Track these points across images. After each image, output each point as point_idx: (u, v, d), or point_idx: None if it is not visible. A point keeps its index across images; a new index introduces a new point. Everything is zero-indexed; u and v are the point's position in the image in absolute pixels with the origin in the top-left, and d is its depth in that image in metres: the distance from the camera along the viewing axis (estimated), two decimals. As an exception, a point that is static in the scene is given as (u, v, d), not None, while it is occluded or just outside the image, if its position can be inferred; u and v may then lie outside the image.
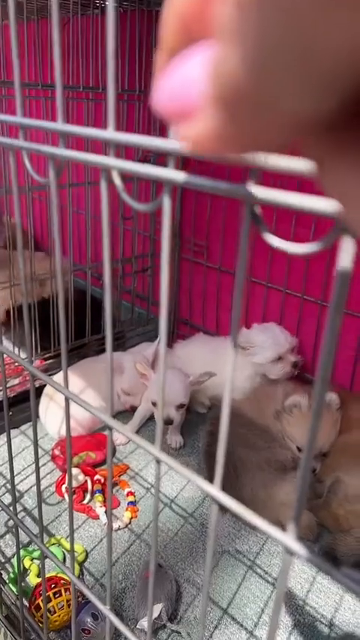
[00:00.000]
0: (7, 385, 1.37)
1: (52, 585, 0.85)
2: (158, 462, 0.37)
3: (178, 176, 0.26)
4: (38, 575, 0.91)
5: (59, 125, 0.33)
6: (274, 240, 0.25)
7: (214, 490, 0.33)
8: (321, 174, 0.14)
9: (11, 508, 0.70)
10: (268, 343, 1.29)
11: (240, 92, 0.12)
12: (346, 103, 0.12)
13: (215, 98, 0.12)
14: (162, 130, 1.39)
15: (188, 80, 0.13)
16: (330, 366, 0.24)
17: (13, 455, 1.23)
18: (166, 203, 0.28)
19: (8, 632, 0.71)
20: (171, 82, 0.14)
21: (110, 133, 0.30)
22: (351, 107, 0.12)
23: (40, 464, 1.20)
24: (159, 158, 1.37)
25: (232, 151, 0.14)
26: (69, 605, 0.83)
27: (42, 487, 1.13)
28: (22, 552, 0.95)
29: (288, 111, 0.12)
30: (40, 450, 1.25)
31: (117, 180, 0.30)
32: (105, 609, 0.49)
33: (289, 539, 0.30)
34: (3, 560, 0.95)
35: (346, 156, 0.13)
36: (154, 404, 1.23)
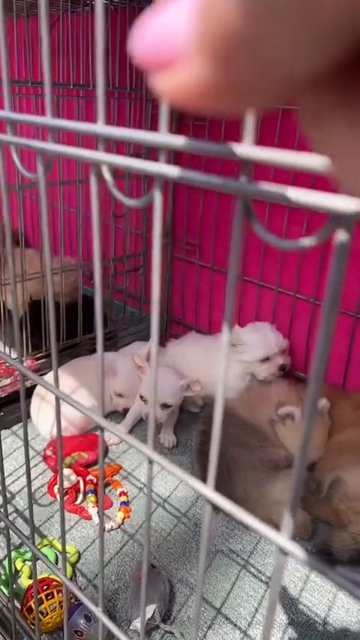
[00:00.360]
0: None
1: (45, 587, 0.84)
2: (150, 462, 0.36)
3: (170, 170, 0.26)
4: (30, 577, 0.90)
5: (48, 119, 0.32)
6: (267, 235, 0.24)
7: (208, 490, 0.33)
8: (316, 131, 0.13)
9: (2, 510, 0.69)
10: (257, 343, 1.29)
11: (233, 38, 0.11)
12: (347, 58, 0.11)
13: (204, 44, 0.11)
14: (153, 128, 1.38)
15: (173, 25, 0.12)
16: (320, 384, 0.23)
17: (5, 456, 1.22)
18: (157, 198, 0.27)
19: (0, 635, 0.70)
20: (153, 26, 0.12)
21: (100, 127, 0.29)
22: (352, 62, 0.11)
23: (32, 465, 1.20)
24: (151, 155, 1.36)
25: (218, 104, 0.13)
26: (61, 607, 0.82)
27: (34, 488, 1.13)
28: (13, 554, 0.94)
29: (285, 62, 0.11)
30: (31, 451, 1.24)
31: (107, 175, 0.30)
32: (97, 611, 0.48)
33: (282, 539, 0.30)
34: (-6, 562, 0.94)
35: (346, 112, 0.12)
36: (141, 397, 1.23)
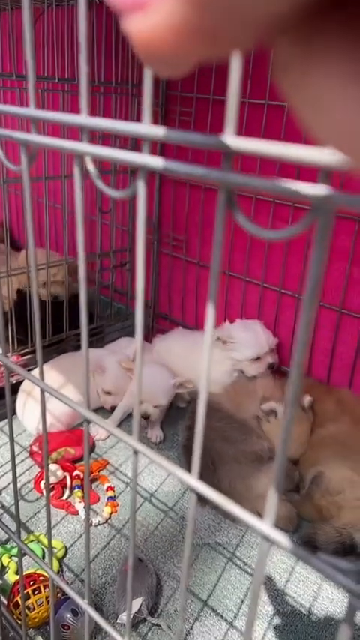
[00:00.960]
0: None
1: (31, 582, 0.84)
2: (136, 452, 0.37)
3: (154, 161, 0.26)
4: (17, 573, 0.90)
5: (30, 111, 0.32)
6: (250, 226, 0.25)
7: (192, 480, 0.33)
8: (290, 82, 0.13)
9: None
10: (249, 342, 1.30)
11: None
12: (313, 3, 0.11)
13: None
14: (139, 121, 1.37)
15: None
16: (300, 387, 0.24)
17: (-9, 452, 1.22)
18: (141, 189, 0.27)
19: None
20: None
21: (83, 118, 0.29)
22: (319, 8, 0.11)
23: (19, 460, 1.19)
24: (137, 149, 1.36)
25: (190, 48, 0.12)
26: (48, 602, 0.82)
27: (20, 484, 1.12)
28: None
29: (253, 3, 0.11)
30: (18, 447, 1.23)
31: (91, 167, 0.30)
32: (84, 604, 0.49)
33: (265, 526, 0.30)
34: (-20, 559, 0.93)
35: (323, 56, 0.12)
36: None
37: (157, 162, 0.26)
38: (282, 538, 0.30)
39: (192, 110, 1.37)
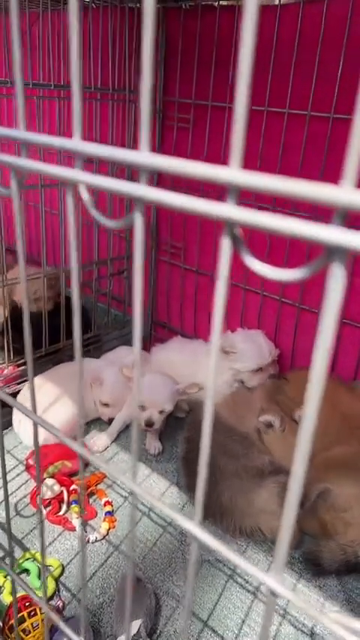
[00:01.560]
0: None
1: (27, 604, 0.82)
2: (132, 494, 0.35)
3: (151, 193, 0.24)
4: (11, 593, 0.88)
5: (20, 133, 0.30)
6: (256, 265, 0.23)
7: (194, 527, 0.31)
8: None
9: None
10: (251, 353, 1.28)
11: None
12: None
13: None
14: (137, 130, 1.36)
15: None
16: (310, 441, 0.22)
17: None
18: (138, 221, 0.25)
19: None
20: None
21: (76, 143, 0.27)
22: None
23: (15, 474, 1.17)
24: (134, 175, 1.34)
25: None
26: (43, 625, 0.80)
27: (16, 499, 1.10)
28: (-6, 569, 0.91)
29: None
30: (14, 460, 1.21)
31: (85, 195, 0.28)
32: (79, 641, 0.46)
33: (270, 579, 0.28)
34: (-25, 578, 0.91)
35: None
36: (141, 407, 1.21)
37: (155, 194, 0.24)
38: (289, 593, 0.28)
39: (190, 117, 1.35)
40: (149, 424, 1.20)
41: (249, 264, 0.23)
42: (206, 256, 1.48)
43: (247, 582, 0.95)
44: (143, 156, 0.24)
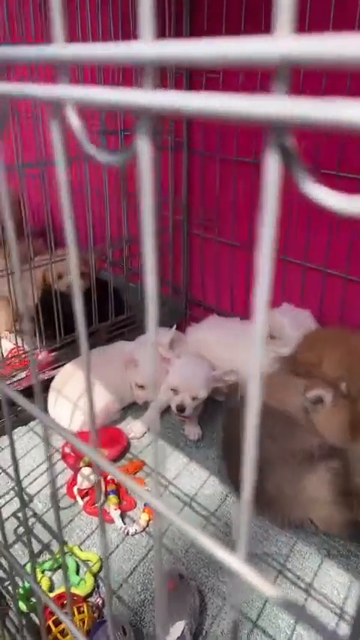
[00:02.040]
0: (14, 379, 1.29)
1: (64, 602, 0.78)
2: (158, 511, 0.27)
3: (160, 98, 0.16)
4: (50, 590, 0.84)
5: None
6: (319, 192, 0.14)
7: (237, 562, 0.24)
8: None
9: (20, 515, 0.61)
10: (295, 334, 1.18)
11: None
12: None
13: None
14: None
15: None
16: None
17: (22, 454, 1.16)
18: (144, 147, 0.17)
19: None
20: None
21: (58, 48, 0.19)
22: None
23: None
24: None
25: None
26: (84, 624, 0.75)
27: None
28: (29, 565, 0.87)
29: None
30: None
31: (74, 119, 0.20)
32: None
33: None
34: (13, 573, 0.87)
35: None
36: (173, 390, 1.14)
37: (166, 99, 0.16)
38: None
39: (219, 73, 1.25)
40: (181, 409, 1.12)
41: (307, 190, 0.14)
42: (242, 228, 1.39)
43: (298, 578, 0.88)
44: (146, 46, 0.16)
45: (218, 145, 1.34)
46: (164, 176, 1.46)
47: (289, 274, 1.32)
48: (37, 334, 1.31)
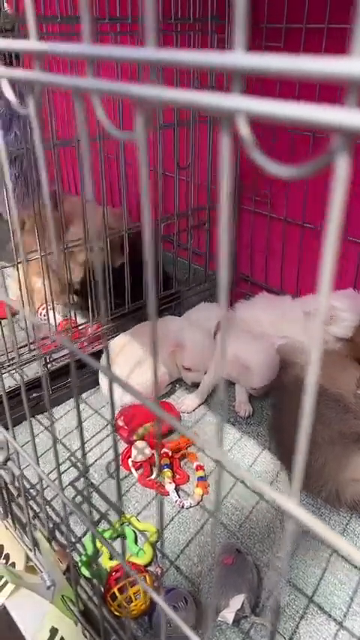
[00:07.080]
0: (65, 351, 1.32)
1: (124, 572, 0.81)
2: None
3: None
4: (111, 558, 0.87)
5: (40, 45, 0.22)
6: None
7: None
8: None
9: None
10: (350, 323, 1.16)
11: None
12: None
13: None
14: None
15: None
16: None
17: (74, 425, 1.19)
18: (140, 126, 0.17)
19: (87, 633, 0.67)
20: None
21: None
22: None
23: (104, 434, 1.16)
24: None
25: None
26: (145, 594, 0.79)
27: (105, 461, 1.09)
28: (89, 534, 0.91)
29: None
30: (102, 421, 1.20)
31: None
32: None
33: None
34: (74, 540, 0.91)
35: None
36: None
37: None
38: None
39: (281, 44, 1.20)
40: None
41: None
42: (296, 203, 1.35)
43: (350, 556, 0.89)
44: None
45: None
46: (215, 150, 1.43)
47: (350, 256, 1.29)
48: (89, 308, 1.32)
